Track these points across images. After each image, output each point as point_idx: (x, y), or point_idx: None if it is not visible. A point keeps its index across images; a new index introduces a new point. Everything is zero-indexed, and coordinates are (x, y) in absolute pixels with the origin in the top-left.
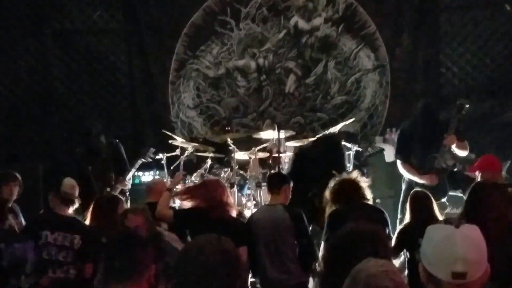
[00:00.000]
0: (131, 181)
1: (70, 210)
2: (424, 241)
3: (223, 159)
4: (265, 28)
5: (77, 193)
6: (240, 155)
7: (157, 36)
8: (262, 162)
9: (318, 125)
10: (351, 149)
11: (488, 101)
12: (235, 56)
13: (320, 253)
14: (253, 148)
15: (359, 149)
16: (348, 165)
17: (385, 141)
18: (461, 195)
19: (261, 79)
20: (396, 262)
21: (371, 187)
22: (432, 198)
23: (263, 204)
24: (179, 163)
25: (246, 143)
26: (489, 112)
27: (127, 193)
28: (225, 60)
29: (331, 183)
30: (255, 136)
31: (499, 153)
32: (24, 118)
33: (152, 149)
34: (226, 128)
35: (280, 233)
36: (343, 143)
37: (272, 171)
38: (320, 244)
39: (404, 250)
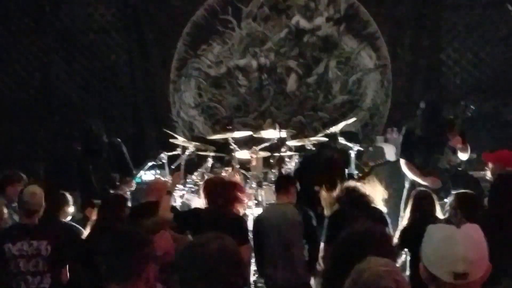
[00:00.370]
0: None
1: (36, 219)
2: (424, 240)
3: (224, 158)
4: (267, 27)
5: (41, 200)
6: (241, 154)
7: (159, 35)
8: (264, 161)
9: (319, 125)
10: (353, 148)
11: (490, 100)
12: (236, 55)
13: (320, 253)
14: (254, 148)
15: (361, 148)
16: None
17: (386, 140)
18: None
19: (262, 78)
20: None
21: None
22: (435, 198)
23: (264, 203)
24: (180, 162)
25: (247, 143)
26: (490, 112)
27: (128, 192)
28: (226, 59)
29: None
30: (256, 135)
31: None
32: (25, 117)
33: (163, 152)
34: (227, 127)
35: (291, 233)
36: (344, 142)
37: (273, 170)
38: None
39: (406, 250)
